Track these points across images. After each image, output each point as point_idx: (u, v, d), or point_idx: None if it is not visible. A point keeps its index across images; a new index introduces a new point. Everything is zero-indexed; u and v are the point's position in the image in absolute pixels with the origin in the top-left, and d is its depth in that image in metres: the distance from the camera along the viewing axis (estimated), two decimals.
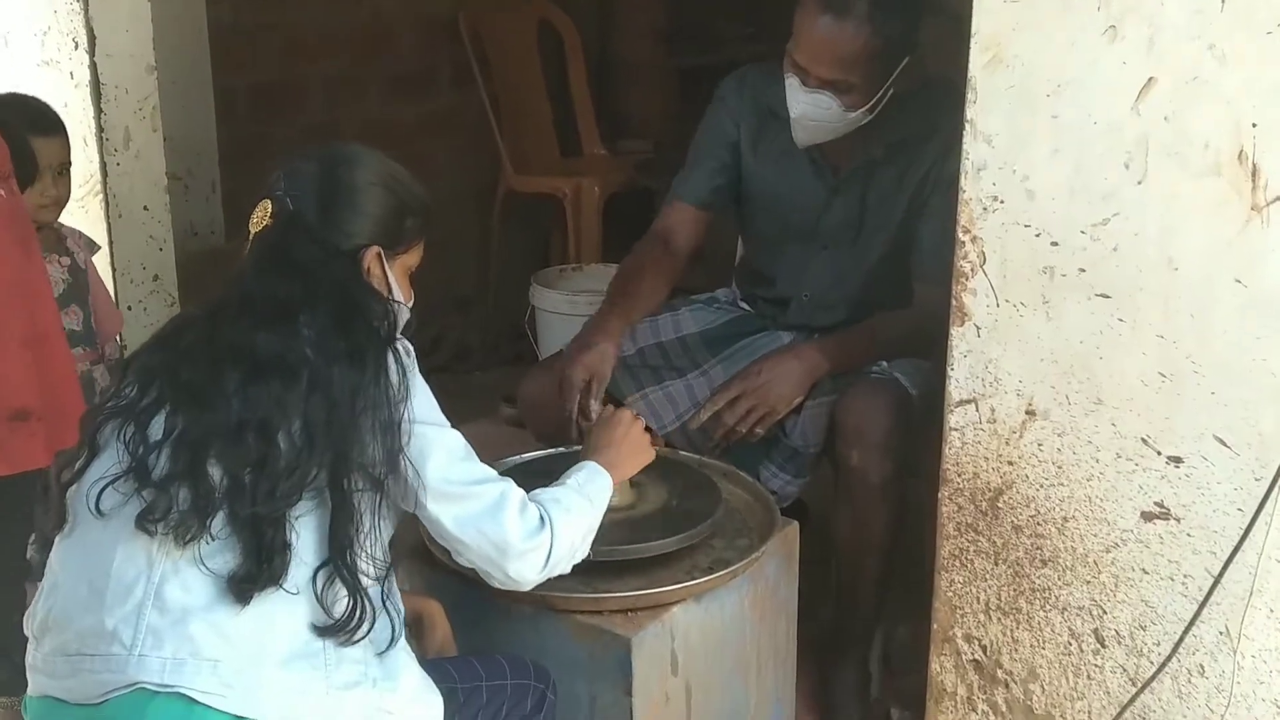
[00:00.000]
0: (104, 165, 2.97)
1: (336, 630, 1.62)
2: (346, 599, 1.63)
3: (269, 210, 1.78)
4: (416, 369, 1.76)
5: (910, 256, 2.65)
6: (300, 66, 4.28)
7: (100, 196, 2.98)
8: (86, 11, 2.90)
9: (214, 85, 3.82)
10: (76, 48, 2.92)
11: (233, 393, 1.62)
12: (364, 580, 1.65)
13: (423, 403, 1.74)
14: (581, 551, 1.88)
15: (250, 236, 1.80)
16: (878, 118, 2.53)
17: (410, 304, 1.89)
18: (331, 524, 1.63)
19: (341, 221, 1.79)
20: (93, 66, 2.93)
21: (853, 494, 2.50)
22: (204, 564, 1.59)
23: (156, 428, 1.65)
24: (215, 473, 1.60)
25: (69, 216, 3.03)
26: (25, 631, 1.71)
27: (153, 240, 3.09)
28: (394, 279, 1.85)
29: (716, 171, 2.79)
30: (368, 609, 1.64)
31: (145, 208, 3.07)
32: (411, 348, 1.77)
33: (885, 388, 2.52)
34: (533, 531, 1.78)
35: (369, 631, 1.65)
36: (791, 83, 2.50)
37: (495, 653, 1.98)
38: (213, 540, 1.60)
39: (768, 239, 2.83)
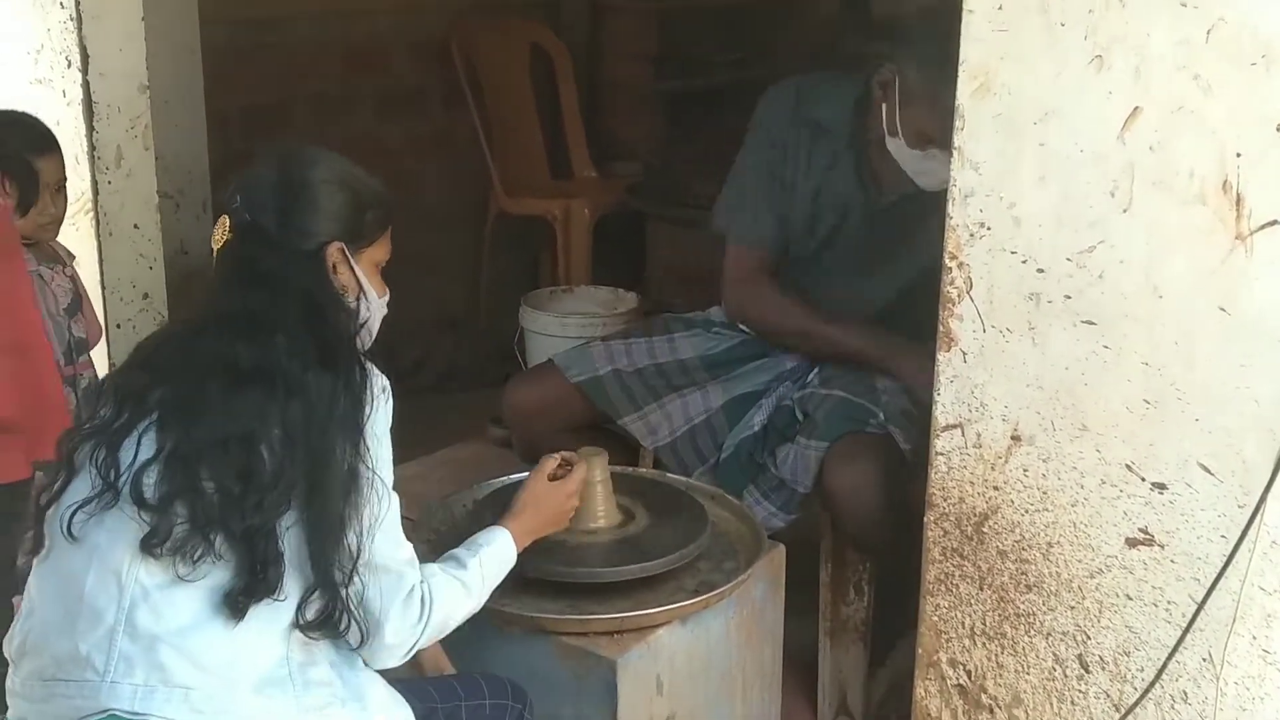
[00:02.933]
0: (95, 183, 2.97)
1: (318, 628, 1.64)
2: (327, 604, 1.64)
3: (228, 226, 1.78)
4: (388, 412, 1.75)
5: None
6: (292, 86, 4.29)
7: (91, 214, 2.98)
8: (80, 30, 2.90)
9: (207, 104, 3.83)
10: (69, 66, 2.93)
11: (216, 405, 1.63)
12: (339, 585, 1.66)
13: (382, 454, 1.73)
14: (436, 636, 1.83)
15: (214, 254, 1.80)
16: None
17: (385, 298, 1.89)
18: (311, 532, 1.64)
19: (300, 222, 1.78)
20: (85, 85, 2.93)
21: (849, 548, 2.55)
22: (191, 582, 1.60)
23: (128, 450, 1.65)
24: (208, 487, 1.61)
25: (59, 234, 3.03)
26: (5, 654, 1.72)
27: (143, 259, 3.09)
28: (362, 274, 1.85)
29: (782, 215, 2.76)
30: (348, 611, 1.66)
31: (136, 226, 3.06)
32: (389, 386, 1.76)
33: (876, 453, 2.52)
34: (409, 625, 1.74)
35: (349, 630, 1.67)
36: (898, 148, 2.54)
37: (474, 672, 2.00)
38: (218, 559, 1.61)
39: (799, 254, 2.79)
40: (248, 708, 1.60)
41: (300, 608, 1.64)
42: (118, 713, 1.57)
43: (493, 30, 4.81)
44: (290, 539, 1.64)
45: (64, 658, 1.61)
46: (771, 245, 2.76)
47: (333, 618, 1.66)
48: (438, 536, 2.33)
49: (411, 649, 1.77)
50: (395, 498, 1.75)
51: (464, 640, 2.08)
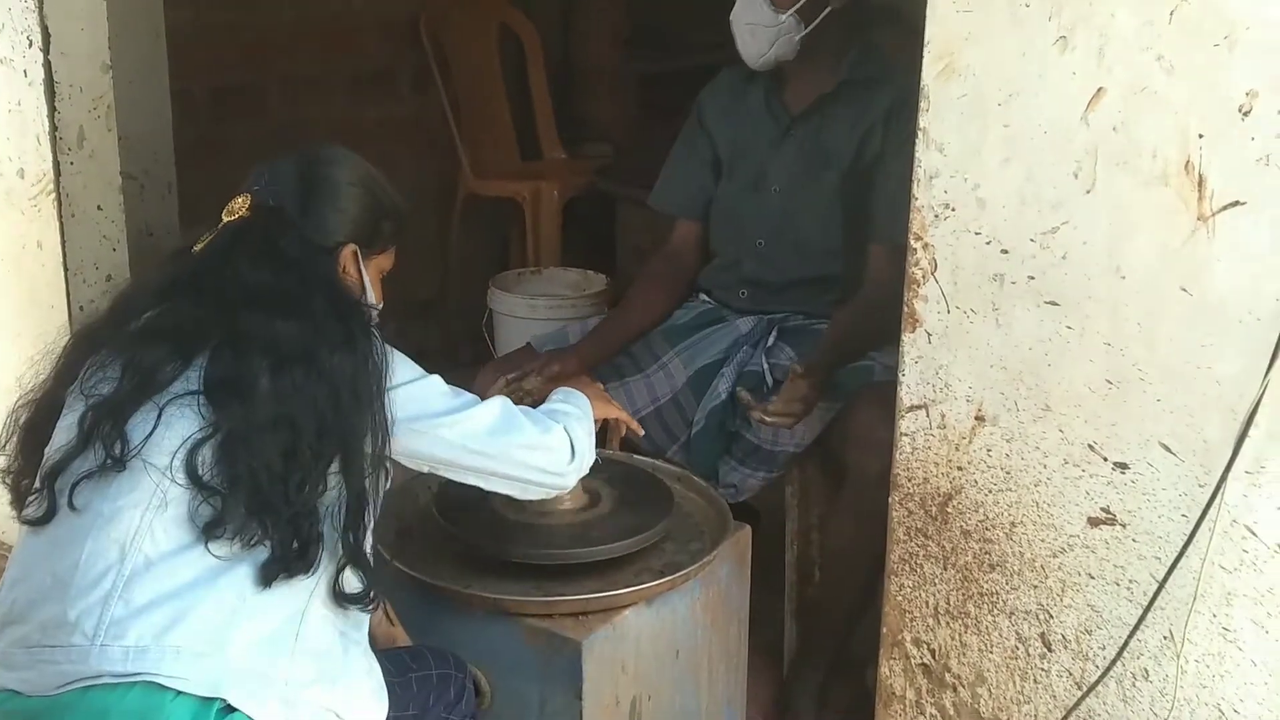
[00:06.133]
0: (57, 164, 2.94)
1: (355, 601, 1.70)
2: (361, 579, 1.70)
3: (247, 203, 1.83)
4: (400, 358, 1.84)
5: (866, 213, 2.70)
6: (260, 67, 4.26)
7: (53, 196, 2.95)
8: (41, 9, 2.87)
9: (173, 85, 3.78)
10: (30, 45, 2.90)
11: (265, 386, 1.65)
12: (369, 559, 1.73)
13: (401, 368, 1.81)
14: (591, 452, 2.00)
15: (220, 225, 1.83)
16: (829, 54, 2.70)
17: (379, 306, 1.93)
18: (346, 511, 1.68)
19: (321, 218, 1.84)
20: (47, 65, 2.90)
21: (853, 499, 2.51)
22: (211, 553, 1.61)
23: (142, 424, 1.65)
24: (260, 470, 1.62)
25: (20, 215, 3.00)
26: None
27: (106, 240, 3.06)
28: (368, 279, 1.90)
29: (702, 181, 2.91)
30: (374, 584, 1.73)
31: (99, 207, 3.03)
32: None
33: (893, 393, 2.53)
34: (546, 427, 1.93)
35: (376, 600, 1.74)
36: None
37: (416, 645, 2.03)
38: (266, 541, 1.62)
39: (727, 203, 2.89)
40: (238, 668, 1.59)
41: (336, 582, 1.68)
42: (109, 678, 1.55)
43: (462, 11, 4.78)
44: (328, 517, 1.68)
45: (50, 623, 1.60)
46: (692, 213, 2.96)
47: (369, 593, 1.71)
48: (400, 522, 2.32)
49: (573, 448, 1.94)
50: (432, 379, 1.86)
51: (427, 620, 2.09)
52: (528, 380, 2.62)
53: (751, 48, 2.70)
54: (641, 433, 2.40)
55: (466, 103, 4.71)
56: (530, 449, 1.91)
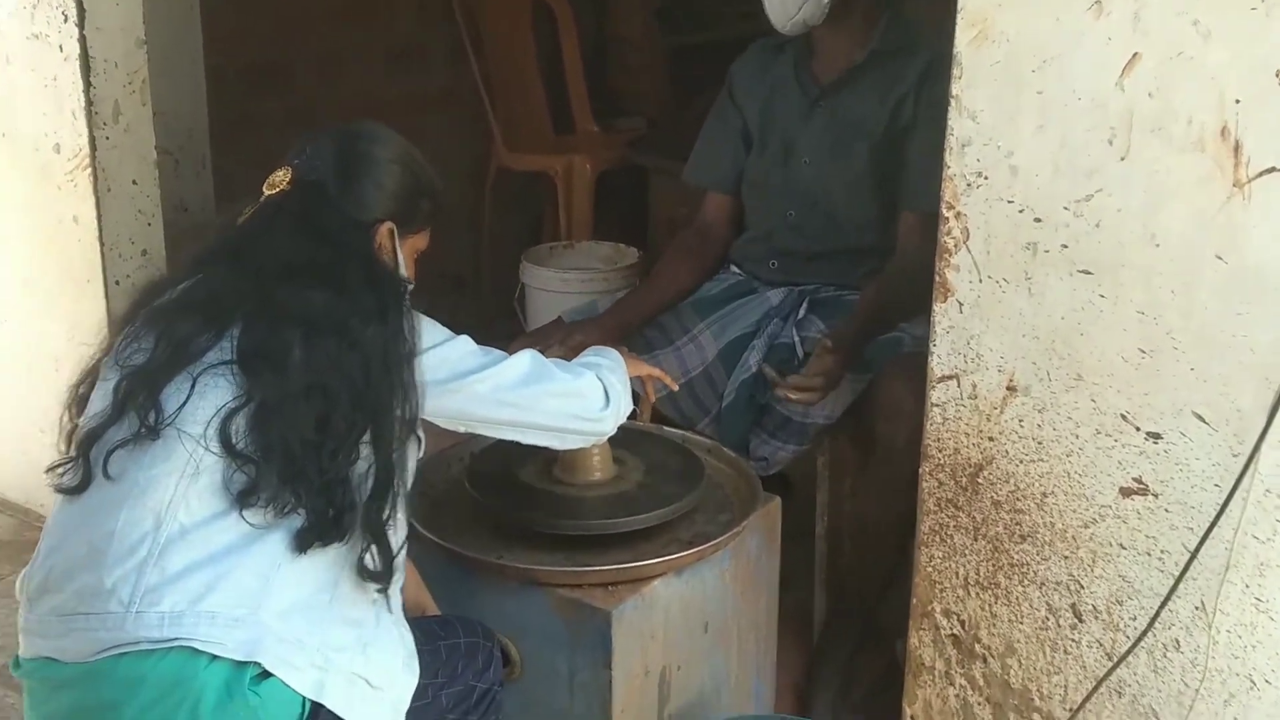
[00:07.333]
0: (93, 139, 2.96)
1: (374, 577, 1.69)
2: (380, 552, 1.69)
3: (288, 177, 1.84)
4: (431, 326, 1.86)
5: (897, 182, 2.69)
6: (293, 42, 4.27)
7: (89, 171, 2.98)
8: None
9: (206, 61, 3.80)
10: (66, 21, 2.91)
11: (298, 355, 1.66)
12: (397, 533, 1.73)
13: (430, 332, 1.82)
14: (627, 400, 2.03)
15: (262, 199, 1.84)
16: (859, 22, 2.69)
17: (412, 285, 1.93)
18: (375, 481, 1.69)
19: (359, 193, 1.86)
20: (82, 40, 2.91)
21: (881, 470, 2.50)
22: (245, 520, 1.62)
23: (175, 394, 1.66)
24: (291, 437, 1.64)
25: (57, 190, 3.03)
26: (18, 594, 1.71)
27: (141, 215, 3.08)
28: (402, 257, 1.90)
29: (734, 155, 2.91)
30: (399, 562, 1.72)
31: (134, 182, 3.06)
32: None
33: (923, 368, 2.52)
34: (577, 374, 1.97)
35: (396, 579, 1.73)
36: None
37: (445, 614, 2.03)
38: (299, 510, 1.64)
39: (758, 175, 2.88)
40: (272, 631, 1.60)
41: (361, 558, 1.68)
42: (146, 644, 1.57)
43: None
44: (359, 487, 1.69)
45: (86, 591, 1.61)
46: (725, 188, 2.96)
47: (390, 570, 1.71)
48: (434, 490, 2.33)
49: (606, 394, 1.97)
50: (459, 339, 1.87)
51: (456, 590, 2.10)
52: (550, 351, 2.62)
53: (779, 11, 2.67)
54: (676, 388, 2.39)
55: (499, 76, 4.70)
56: (563, 396, 1.93)
